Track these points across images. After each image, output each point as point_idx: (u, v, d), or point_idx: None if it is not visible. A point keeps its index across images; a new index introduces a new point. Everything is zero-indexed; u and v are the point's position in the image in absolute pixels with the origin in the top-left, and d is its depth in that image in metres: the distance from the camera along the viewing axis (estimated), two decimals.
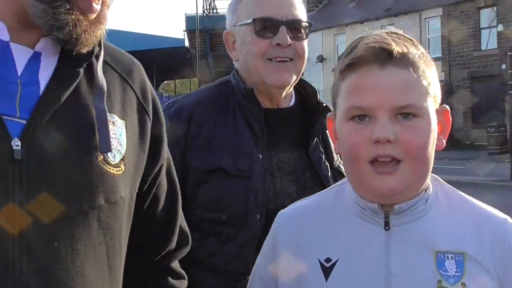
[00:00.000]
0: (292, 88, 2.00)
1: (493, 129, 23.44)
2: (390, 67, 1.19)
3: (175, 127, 1.86)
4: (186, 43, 66.27)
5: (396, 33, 1.23)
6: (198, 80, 39.31)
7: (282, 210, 1.39)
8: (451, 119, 1.31)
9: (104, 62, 1.33)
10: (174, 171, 1.49)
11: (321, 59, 37.57)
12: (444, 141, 1.27)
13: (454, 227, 1.23)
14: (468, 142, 27.65)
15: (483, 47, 28.85)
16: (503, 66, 19.59)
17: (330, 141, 1.91)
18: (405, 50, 1.20)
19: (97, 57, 1.29)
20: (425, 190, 1.25)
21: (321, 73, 38.02)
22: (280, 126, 1.93)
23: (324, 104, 1.98)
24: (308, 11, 1.81)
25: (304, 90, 2.04)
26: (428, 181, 1.25)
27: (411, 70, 1.20)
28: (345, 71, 1.23)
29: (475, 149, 25.41)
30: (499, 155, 21.61)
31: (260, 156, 1.84)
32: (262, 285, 1.37)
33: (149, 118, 1.37)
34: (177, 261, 1.59)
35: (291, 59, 1.92)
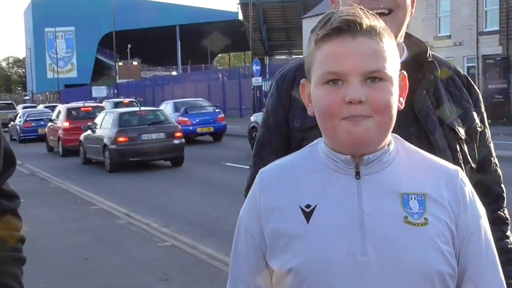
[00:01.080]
0: (402, 45, 1.94)
1: None
2: (361, 37, 1.38)
3: (280, 90, 1.97)
4: (240, 17, 65.93)
5: (362, 9, 1.43)
6: (252, 53, 39.34)
7: (263, 168, 1.54)
8: (407, 83, 1.52)
9: None
10: None
11: None
12: (403, 102, 1.48)
13: (414, 174, 1.45)
14: None
15: None
16: None
17: (444, 98, 1.94)
18: (373, 23, 1.41)
19: None
20: (388, 145, 1.45)
21: None
22: None
23: (430, 59, 1.95)
24: None
25: (416, 46, 1.99)
26: (390, 137, 1.47)
27: (378, 40, 1.40)
28: (321, 41, 1.41)
29: None
30: None
31: None
32: (246, 234, 1.50)
33: None
34: (7, 182, 1.70)
35: (390, 11, 1.85)
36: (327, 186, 1.44)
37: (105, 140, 17.57)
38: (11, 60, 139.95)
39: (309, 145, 1.54)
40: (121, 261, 7.63)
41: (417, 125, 1.87)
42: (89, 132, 19.14)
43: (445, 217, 1.41)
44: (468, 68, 31.98)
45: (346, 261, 1.38)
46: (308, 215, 1.42)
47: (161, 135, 17.63)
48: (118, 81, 62.00)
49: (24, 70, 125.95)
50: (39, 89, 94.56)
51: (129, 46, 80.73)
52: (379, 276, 1.37)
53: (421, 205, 1.41)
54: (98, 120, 19.32)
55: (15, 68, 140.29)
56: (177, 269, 7.14)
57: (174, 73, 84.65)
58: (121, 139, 17.26)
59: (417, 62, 1.93)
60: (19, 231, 1.72)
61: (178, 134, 17.87)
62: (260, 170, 1.54)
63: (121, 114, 18.47)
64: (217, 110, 26.51)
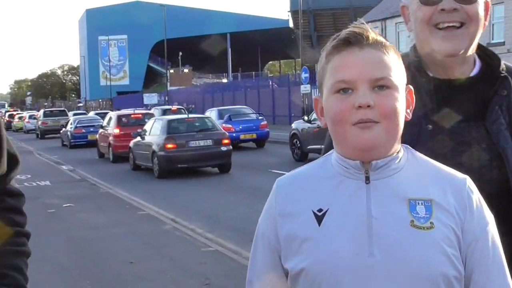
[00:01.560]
0: (473, 56, 1.92)
1: None
2: (367, 48, 1.49)
3: None
4: (291, 24, 65.95)
5: (365, 25, 1.51)
6: (301, 61, 39.34)
7: (280, 177, 1.64)
8: (414, 98, 1.58)
9: None
10: None
11: None
12: (411, 114, 1.55)
13: (422, 182, 1.51)
14: None
15: None
16: None
17: None
18: (378, 38, 1.51)
19: None
20: (397, 153, 1.53)
21: None
22: (454, 97, 1.88)
23: (503, 74, 1.90)
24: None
25: (489, 58, 1.95)
26: (400, 146, 1.54)
27: (384, 51, 1.50)
28: (331, 54, 1.52)
29: None
30: None
31: (430, 127, 1.85)
32: (263, 239, 1.60)
33: None
34: (13, 181, 1.81)
35: (462, 24, 1.83)
36: (338, 191, 1.52)
37: (154, 147, 17.82)
38: (65, 68, 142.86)
39: (324, 155, 1.64)
40: (165, 266, 7.75)
41: (488, 140, 1.85)
42: (138, 138, 19.42)
43: (450, 222, 1.47)
44: None
45: (354, 262, 1.45)
46: (320, 219, 1.51)
47: (209, 142, 17.78)
48: (169, 88, 62.75)
49: (78, 78, 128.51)
50: (92, 96, 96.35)
51: (180, 53, 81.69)
52: (385, 277, 1.43)
53: (428, 210, 1.47)
54: (147, 127, 19.60)
55: (70, 76, 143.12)
56: (219, 274, 7.22)
57: (224, 80, 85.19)
58: (169, 145, 17.47)
59: (490, 77, 1.91)
60: (23, 227, 1.83)
61: (226, 141, 18.00)
62: (277, 179, 1.64)
63: (170, 121, 18.70)
64: (260, 118, 26.72)
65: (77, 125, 33.06)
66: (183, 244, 8.98)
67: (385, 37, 1.58)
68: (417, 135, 1.83)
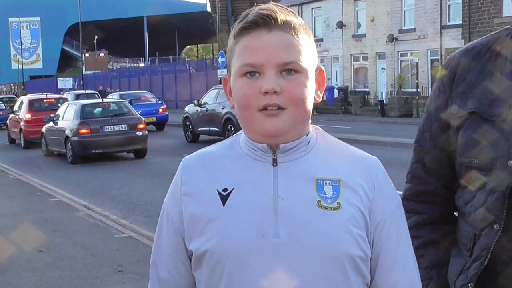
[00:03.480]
0: None
1: None
2: (276, 31, 1.43)
3: (443, 76, 1.93)
4: (208, 8, 65.68)
5: (280, 5, 1.49)
6: (219, 45, 39.25)
7: (186, 156, 1.58)
8: (326, 78, 1.57)
9: None
10: None
11: (340, 25, 37.46)
12: (321, 96, 1.53)
13: (331, 162, 1.49)
14: None
15: (505, 14, 28.63)
16: None
17: None
18: (288, 19, 1.45)
19: None
20: (307, 135, 1.49)
21: (341, 39, 37.94)
22: None
23: None
24: None
25: None
26: (310, 128, 1.51)
27: (293, 34, 1.44)
28: (239, 35, 1.46)
29: None
30: None
31: None
32: (168, 220, 1.56)
33: None
34: None
35: None
36: (245, 172, 1.49)
37: (67, 132, 17.42)
38: None
39: (232, 136, 1.59)
40: (77, 253, 7.60)
41: None
42: (51, 124, 18.94)
43: (358, 202, 1.46)
44: (432, 61, 32.35)
45: (259, 243, 1.42)
46: (224, 198, 1.47)
47: (124, 127, 17.53)
48: (85, 72, 61.36)
49: None
50: (3, 80, 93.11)
51: (96, 37, 79.96)
52: (291, 257, 1.42)
53: (335, 191, 1.46)
54: (60, 111, 19.12)
55: None
56: (132, 260, 7.13)
57: (141, 64, 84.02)
58: (83, 131, 17.12)
59: None
60: None
61: (141, 126, 17.80)
62: (183, 158, 1.59)
63: (84, 106, 18.30)
64: (159, 102, 28.50)
65: None
66: (96, 231, 8.84)
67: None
68: (507, 110, 1.76)
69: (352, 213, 1.45)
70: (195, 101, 22.35)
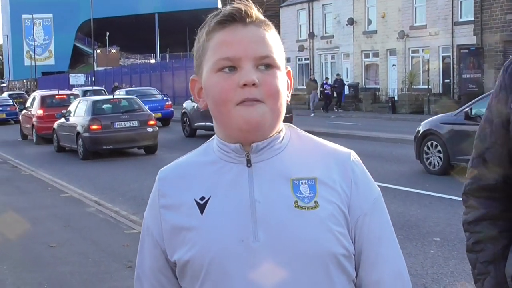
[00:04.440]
0: None
1: None
2: (251, 26, 1.43)
3: (505, 73, 1.95)
4: (219, 4, 65.68)
5: (251, 2, 1.47)
6: None
7: (162, 168, 1.57)
8: (292, 79, 1.55)
9: None
10: None
11: (351, 22, 37.34)
12: (290, 96, 1.50)
13: (306, 160, 1.47)
14: None
15: None
16: None
17: None
18: (261, 15, 1.47)
19: None
20: (279, 132, 1.48)
21: (352, 35, 37.84)
22: None
23: None
24: None
25: None
26: (282, 126, 1.50)
27: (267, 31, 1.45)
28: (213, 31, 1.45)
29: None
30: None
31: None
32: (148, 234, 1.54)
33: None
34: None
35: None
36: (220, 177, 1.47)
37: (78, 128, 17.49)
38: None
39: (206, 142, 1.57)
40: (87, 248, 7.65)
41: None
42: (62, 120, 19.03)
43: (335, 199, 1.44)
44: (443, 57, 32.22)
45: (239, 249, 1.41)
46: (202, 207, 1.45)
47: (135, 123, 17.58)
48: (96, 68, 61.56)
49: (1, 57, 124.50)
50: (16, 76, 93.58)
51: (108, 33, 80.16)
52: (272, 260, 1.40)
53: (312, 189, 1.44)
54: (71, 107, 19.20)
55: None
56: None
57: (152, 61, 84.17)
58: (94, 127, 17.19)
59: None
60: None
61: (152, 122, 17.85)
62: (159, 170, 1.57)
63: (95, 102, 18.38)
64: (165, 98, 29.22)
65: None
66: (106, 226, 8.89)
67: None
68: None
69: (330, 211, 1.43)
70: (192, 97, 22.62)
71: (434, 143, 12.13)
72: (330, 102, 34.02)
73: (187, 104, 23.11)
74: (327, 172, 1.46)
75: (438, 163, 12.08)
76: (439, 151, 12.05)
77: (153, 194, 1.55)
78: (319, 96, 34.26)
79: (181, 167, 1.54)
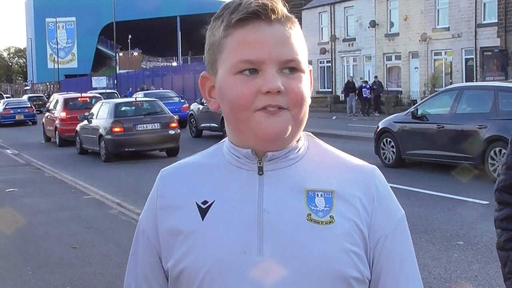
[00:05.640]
0: None
1: None
2: (276, 24, 1.27)
3: None
4: None
5: None
6: None
7: (164, 168, 1.44)
8: (312, 78, 1.38)
9: None
10: None
11: (373, 24, 37.19)
12: (310, 98, 1.34)
13: (323, 172, 1.33)
14: None
15: None
16: None
17: None
18: (286, 11, 1.30)
19: None
20: (297, 141, 1.34)
21: (374, 38, 37.69)
22: None
23: None
24: None
25: None
26: (301, 134, 1.36)
27: (293, 29, 1.30)
28: (232, 27, 1.28)
29: None
30: None
31: None
32: (143, 236, 1.41)
33: None
34: None
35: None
36: (227, 182, 1.34)
37: (101, 131, 17.61)
38: (12, 50, 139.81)
39: (217, 143, 1.44)
40: (110, 250, 7.68)
41: None
42: (85, 122, 19.17)
43: (354, 216, 1.31)
44: (466, 60, 31.99)
45: (240, 261, 1.28)
46: (204, 212, 1.33)
47: (157, 126, 17.66)
48: (118, 71, 61.95)
49: (25, 60, 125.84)
50: (39, 79, 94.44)
51: (130, 36, 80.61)
52: (276, 277, 1.26)
53: (328, 203, 1.30)
54: (94, 110, 19.34)
55: (16, 58, 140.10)
56: None
57: (174, 64, 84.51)
58: (116, 129, 17.28)
59: None
60: None
61: (174, 124, 17.91)
62: (161, 170, 1.45)
63: (117, 105, 18.48)
64: (182, 101, 29.90)
65: (6, 107, 38.02)
66: (129, 228, 8.91)
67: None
68: None
69: (347, 228, 1.29)
70: (198, 100, 24.36)
71: (389, 139, 13.70)
72: (370, 106, 33.18)
73: (194, 106, 24.31)
74: (347, 186, 1.33)
75: (392, 157, 13.66)
76: (392, 147, 13.63)
77: (152, 194, 1.42)
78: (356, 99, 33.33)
79: (185, 167, 1.41)
